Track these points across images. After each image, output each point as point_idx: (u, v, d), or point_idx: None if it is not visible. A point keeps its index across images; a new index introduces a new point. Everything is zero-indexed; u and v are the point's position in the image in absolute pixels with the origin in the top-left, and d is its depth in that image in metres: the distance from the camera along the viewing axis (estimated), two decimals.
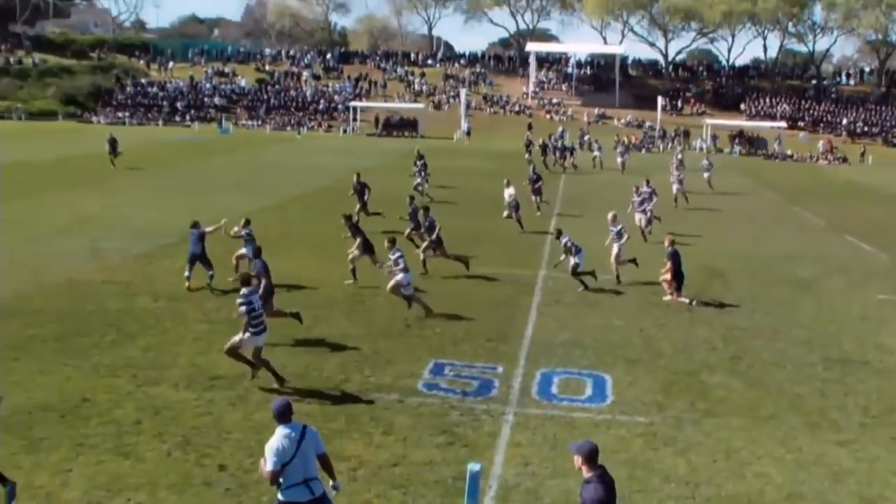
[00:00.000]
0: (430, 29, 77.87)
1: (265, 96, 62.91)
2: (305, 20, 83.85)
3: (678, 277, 13.12)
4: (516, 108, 58.74)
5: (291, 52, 73.28)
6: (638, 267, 14.72)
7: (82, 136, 44.57)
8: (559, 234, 14.32)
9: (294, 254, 16.07)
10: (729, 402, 9.21)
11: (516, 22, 71.04)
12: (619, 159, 34.49)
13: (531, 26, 70.83)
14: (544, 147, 36.46)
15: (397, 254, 12.18)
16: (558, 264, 14.69)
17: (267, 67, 68.92)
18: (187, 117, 60.65)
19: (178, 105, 62.89)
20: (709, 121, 52.82)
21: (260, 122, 58.95)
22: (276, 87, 64.86)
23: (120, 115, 61.49)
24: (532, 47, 63.34)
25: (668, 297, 13.26)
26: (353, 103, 57.63)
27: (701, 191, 28.21)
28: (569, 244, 13.97)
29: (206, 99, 63.59)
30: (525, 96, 60.91)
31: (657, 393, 9.40)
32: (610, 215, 15.00)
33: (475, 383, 9.53)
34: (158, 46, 77.24)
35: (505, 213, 19.91)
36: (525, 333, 11.43)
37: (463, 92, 57.15)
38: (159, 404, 8.77)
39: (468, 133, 52.19)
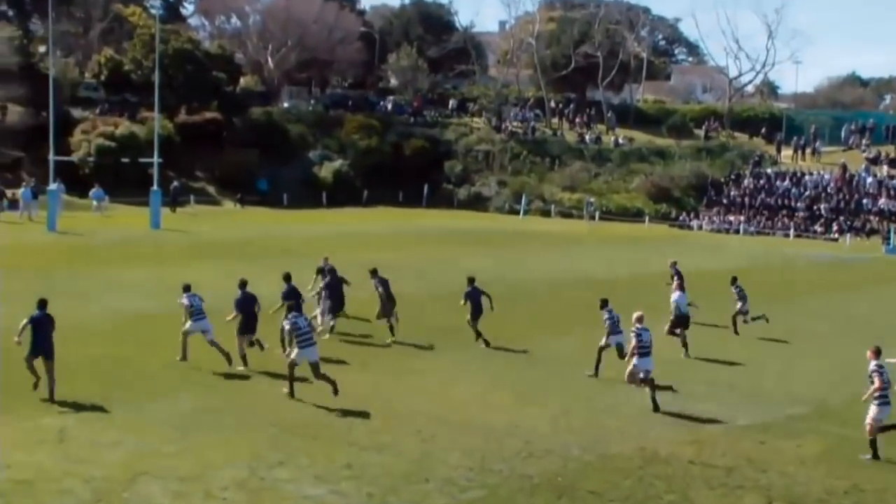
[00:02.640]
0: None
1: None
2: None
3: None
4: None
5: None
6: None
7: (679, 246, 47.87)
8: None
9: None
10: None
11: None
12: None
13: None
14: None
15: None
16: None
17: None
18: (834, 226, 59.63)
19: (821, 208, 62.67)
20: None
21: None
22: None
23: (731, 218, 62.97)
24: None
25: None
26: None
27: None
28: None
29: (864, 201, 61.42)
30: None
31: None
32: None
33: None
34: (795, 121, 78.41)
35: None
36: None
37: None
38: None
39: None
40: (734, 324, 26.56)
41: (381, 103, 79.94)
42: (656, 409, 18.15)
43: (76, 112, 64.05)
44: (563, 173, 69.79)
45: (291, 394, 17.96)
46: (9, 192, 51.24)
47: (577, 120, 79.59)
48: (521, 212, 65.67)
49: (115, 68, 67.99)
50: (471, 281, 23.21)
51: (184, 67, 66.20)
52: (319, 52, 79.12)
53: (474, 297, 22.95)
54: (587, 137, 75.84)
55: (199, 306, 20.29)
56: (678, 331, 23.58)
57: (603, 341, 20.72)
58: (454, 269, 33.65)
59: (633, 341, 18.28)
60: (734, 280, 26.96)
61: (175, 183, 57.32)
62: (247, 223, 51.40)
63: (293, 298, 20.05)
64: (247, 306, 20.38)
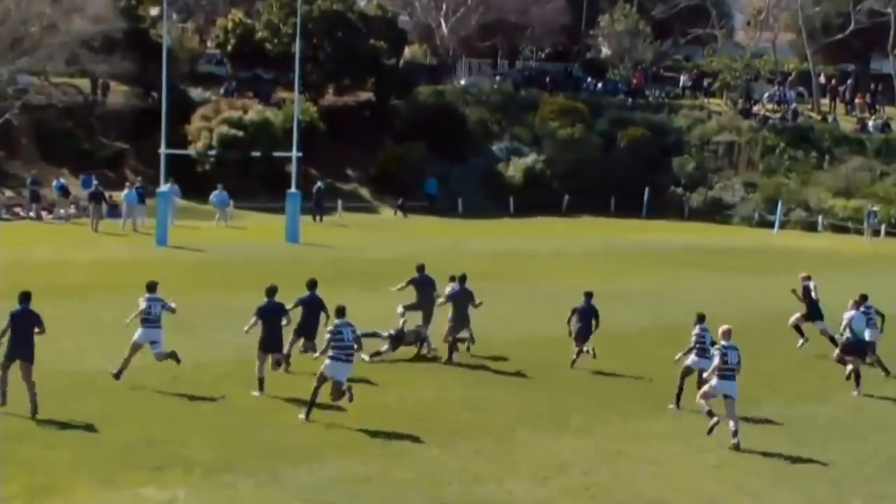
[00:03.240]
0: None
1: None
2: None
3: None
4: None
5: None
6: None
7: None
8: None
9: None
10: None
11: None
12: None
13: None
14: None
15: None
16: None
17: None
18: None
19: None
20: None
21: None
22: None
23: None
24: None
25: None
26: None
27: None
28: None
29: None
30: None
31: None
32: None
33: None
34: None
35: None
36: None
37: None
38: None
39: None
40: None
41: (589, 80, 79.32)
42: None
43: (194, 92, 66.22)
44: (836, 173, 68.08)
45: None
46: (108, 195, 52.94)
47: (857, 101, 77.50)
48: (776, 224, 64.27)
49: (245, 36, 69.92)
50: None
51: (332, 34, 67.44)
52: (508, 14, 79.21)
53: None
54: (870, 124, 73.79)
55: (156, 313, 22.17)
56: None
57: (692, 360, 22.35)
58: (687, 300, 33.05)
59: (717, 360, 20.38)
60: None
61: (319, 184, 58.18)
62: (410, 236, 51.52)
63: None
64: (271, 316, 22.08)
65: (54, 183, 54.70)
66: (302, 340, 23.85)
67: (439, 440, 19.45)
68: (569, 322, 25.55)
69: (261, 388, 21.82)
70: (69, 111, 62.44)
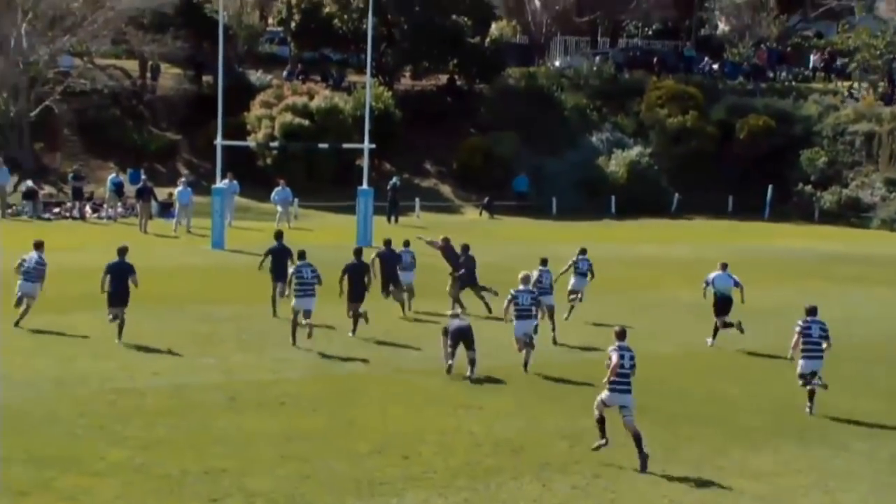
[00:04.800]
0: None
1: None
2: None
3: None
4: None
5: None
6: None
7: None
8: None
9: None
10: None
11: None
12: None
13: None
14: None
15: None
16: None
17: None
18: None
19: None
20: None
21: None
22: None
23: None
24: None
25: None
26: None
27: None
28: None
29: None
30: None
31: None
32: None
33: None
34: None
35: None
36: None
37: None
38: None
39: None
40: None
41: (704, 61, 78.82)
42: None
43: (254, 76, 66.99)
44: None
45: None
46: (157, 191, 53.56)
47: None
48: None
49: (312, 12, 70.68)
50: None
51: (409, 10, 67.88)
52: None
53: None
54: None
55: (31, 267, 28.23)
56: None
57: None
58: (826, 317, 32.12)
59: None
60: None
61: (394, 180, 58.57)
62: (497, 241, 51.44)
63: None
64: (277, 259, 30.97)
65: (110, 178, 55.56)
66: (278, 284, 30.88)
67: (531, 473, 19.38)
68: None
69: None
70: (115, 97, 63.46)
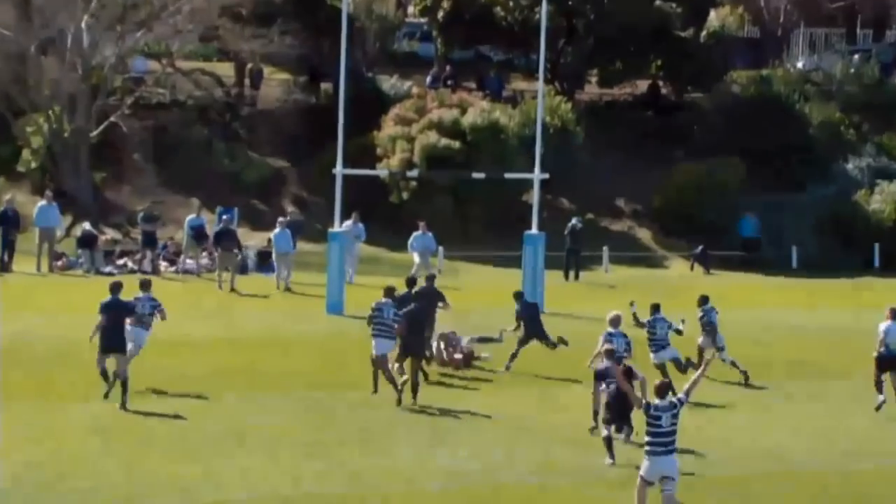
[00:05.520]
0: None
1: None
2: None
3: None
4: None
5: None
6: None
7: None
8: None
9: None
10: None
11: None
12: None
13: None
14: None
15: None
16: None
17: None
18: None
19: None
20: None
21: None
22: None
23: None
24: None
25: None
26: None
27: None
28: None
29: None
30: None
31: None
32: None
33: None
34: None
35: None
36: None
37: None
38: None
39: None
40: None
41: None
42: None
43: (388, 83, 67.47)
44: None
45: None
46: (256, 236, 53.85)
47: None
48: None
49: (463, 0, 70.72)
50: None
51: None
52: None
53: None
54: None
55: (146, 313, 32.34)
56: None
57: None
58: None
59: None
60: None
61: (574, 221, 58.39)
62: (722, 303, 50.68)
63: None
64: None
65: (188, 219, 55.27)
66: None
67: None
68: None
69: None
70: (202, 111, 64.01)
